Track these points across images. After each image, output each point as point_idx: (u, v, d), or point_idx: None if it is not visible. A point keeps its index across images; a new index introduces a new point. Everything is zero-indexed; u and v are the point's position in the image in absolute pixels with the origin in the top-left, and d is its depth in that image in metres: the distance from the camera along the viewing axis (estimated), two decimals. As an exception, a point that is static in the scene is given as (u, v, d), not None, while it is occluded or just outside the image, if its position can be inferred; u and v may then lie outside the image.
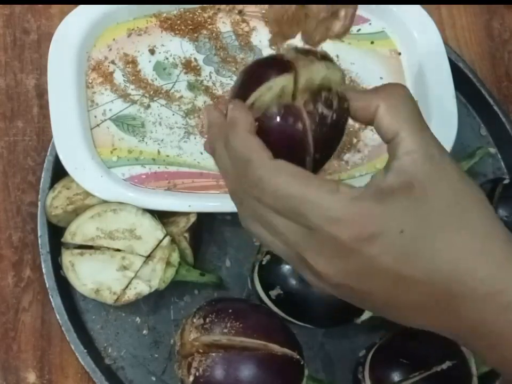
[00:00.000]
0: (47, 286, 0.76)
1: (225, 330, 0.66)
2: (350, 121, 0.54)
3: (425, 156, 0.50)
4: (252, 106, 0.52)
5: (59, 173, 0.76)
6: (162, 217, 0.75)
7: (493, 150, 0.85)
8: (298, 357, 0.67)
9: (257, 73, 0.53)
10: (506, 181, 0.79)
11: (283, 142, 0.52)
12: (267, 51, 0.81)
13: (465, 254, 0.48)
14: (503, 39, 0.91)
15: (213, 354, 0.65)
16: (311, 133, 0.52)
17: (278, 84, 0.51)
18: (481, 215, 0.50)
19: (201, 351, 0.66)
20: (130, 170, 0.76)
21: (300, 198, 0.48)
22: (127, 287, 0.72)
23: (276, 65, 0.53)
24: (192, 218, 0.75)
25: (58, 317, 0.75)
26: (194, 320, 0.67)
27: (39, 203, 0.77)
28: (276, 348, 0.66)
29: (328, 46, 0.80)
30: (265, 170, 0.49)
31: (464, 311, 0.48)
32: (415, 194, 0.48)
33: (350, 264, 0.48)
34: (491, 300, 0.48)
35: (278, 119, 0.52)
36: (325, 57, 0.54)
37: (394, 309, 0.51)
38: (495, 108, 0.85)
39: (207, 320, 0.67)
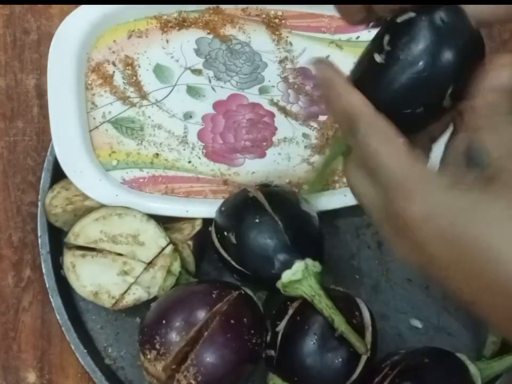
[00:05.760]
0: (47, 286, 0.76)
1: (178, 339, 0.67)
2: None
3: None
4: None
5: (59, 173, 0.76)
6: (168, 223, 0.75)
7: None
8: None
9: None
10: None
11: None
12: (267, 56, 0.81)
13: None
14: (503, 39, 0.90)
15: (188, 362, 0.66)
16: None
17: None
18: None
19: (174, 367, 0.67)
20: (128, 173, 0.77)
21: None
22: (126, 292, 0.72)
23: None
24: (197, 227, 0.75)
25: (58, 317, 0.76)
26: (149, 356, 0.68)
27: (39, 203, 0.78)
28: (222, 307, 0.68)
29: (327, 54, 0.81)
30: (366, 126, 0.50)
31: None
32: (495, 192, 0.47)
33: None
34: None
35: None
36: None
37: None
38: (495, 108, 0.85)
39: (157, 345, 0.67)
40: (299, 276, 0.68)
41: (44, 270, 0.76)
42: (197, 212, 0.75)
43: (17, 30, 0.86)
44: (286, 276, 0.68)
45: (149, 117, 0.78)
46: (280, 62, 0.81)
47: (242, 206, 0.72)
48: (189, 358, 0.66)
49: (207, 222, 0.75)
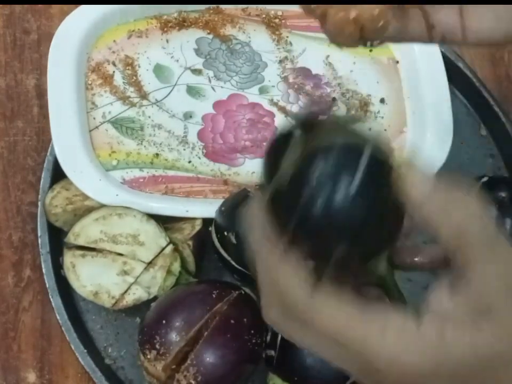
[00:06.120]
0: (47, 286, 0.76)
1: (178, 339, 0.66)
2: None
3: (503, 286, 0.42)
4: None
5: (59, 173, 0.76)
6: (168, 223, 0.75)
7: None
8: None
9: None
10: (485, 179, 0.78)
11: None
12: (267, 56, 0.82)
13: None
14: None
15: (188, 362, 0.66)
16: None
17: None
18: None
19: (174, 367, 0.67)
20: (128, 173, 0.77)
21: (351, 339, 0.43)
22: (126, 292, 0.72)
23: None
24: (197, 227, 0.75)
25: (58, 317, 0.75)
26: (149, 356, 0.67)
27: (39, 203, 0.78)
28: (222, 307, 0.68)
29: (326, 54, 0.81)
30: (308, 307, 0.44)
31: None
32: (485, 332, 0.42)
33: None
34: None
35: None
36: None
37: None
38: (495, 108, 0.85)
39: (157, 345, 0.67)
40: (299, 276, 0.68)
41: (44, 270, 0.76)
42: (197, 212, 0.75)
43: (17, 30, 0.86)
44: (286, 275, 0.68)
45: (149, 117, 0.78)
46: (280, 62, 0.82)
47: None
48: (189, 358, 0.66)
49: (207, 222, 0.75)
